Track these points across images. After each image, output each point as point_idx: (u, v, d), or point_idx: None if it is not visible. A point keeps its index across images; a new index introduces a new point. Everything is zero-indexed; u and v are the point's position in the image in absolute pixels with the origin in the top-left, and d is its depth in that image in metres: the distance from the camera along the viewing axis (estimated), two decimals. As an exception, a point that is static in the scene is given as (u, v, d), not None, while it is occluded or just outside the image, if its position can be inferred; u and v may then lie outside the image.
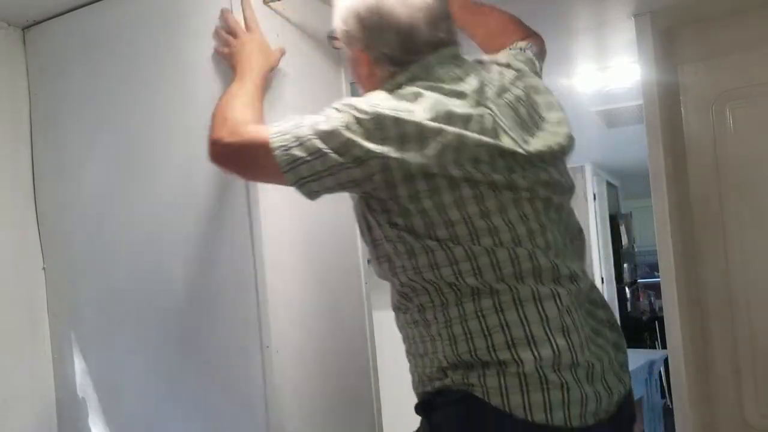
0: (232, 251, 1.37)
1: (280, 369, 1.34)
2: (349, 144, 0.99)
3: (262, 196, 1.35)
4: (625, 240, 6.20)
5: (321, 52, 1.60)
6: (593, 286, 1.15)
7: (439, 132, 0.98)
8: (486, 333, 1.01)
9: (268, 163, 1.04)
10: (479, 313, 1.02)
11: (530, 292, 1.02)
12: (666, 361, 2.31)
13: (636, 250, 6.89)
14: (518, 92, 1.13)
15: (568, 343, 1.00)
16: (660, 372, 4.29)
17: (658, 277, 2.07)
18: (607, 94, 3.09)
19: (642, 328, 5.92)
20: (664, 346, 3.40)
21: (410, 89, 1.04)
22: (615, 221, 5.98)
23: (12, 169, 1.60)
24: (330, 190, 1.06)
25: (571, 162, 1.20)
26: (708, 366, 2.05)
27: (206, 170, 1.39)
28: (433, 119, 0.99)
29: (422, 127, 0.98)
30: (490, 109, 1.04)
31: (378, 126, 0.99)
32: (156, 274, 1.47)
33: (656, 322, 5.72)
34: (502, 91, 1.11)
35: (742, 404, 2.18)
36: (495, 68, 1.18)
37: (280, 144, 1.04)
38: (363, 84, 1.18)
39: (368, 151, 0.99)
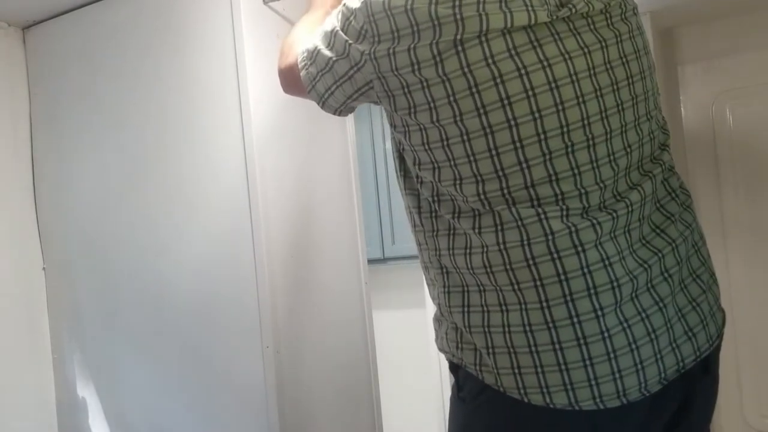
0: (232, 252, 1.37)
1: (280, 369, 1.34)
2: (347, 46, 0.89)
3: (263, 197, 1.35)
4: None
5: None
6: None
7: (432, 21, 0.81)
8: None
9: (302, 86, 0.99)
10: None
11: None
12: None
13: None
14: None
15: None
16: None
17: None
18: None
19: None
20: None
21: None
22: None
23: (12, 169, 1.61)
24: (345, 103, 0.98)
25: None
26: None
27: (206, 170, 1.40)
28: None
29: (414, 13, 0.81)
30: None
31: (368, 19, 0.86)
32: (156, 275, 1.47)
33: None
34: None
35: (742, 404, 2.18)
36: None
37: (303, 63, 0.98)
38: None
39: (362, 52, 0.87)
